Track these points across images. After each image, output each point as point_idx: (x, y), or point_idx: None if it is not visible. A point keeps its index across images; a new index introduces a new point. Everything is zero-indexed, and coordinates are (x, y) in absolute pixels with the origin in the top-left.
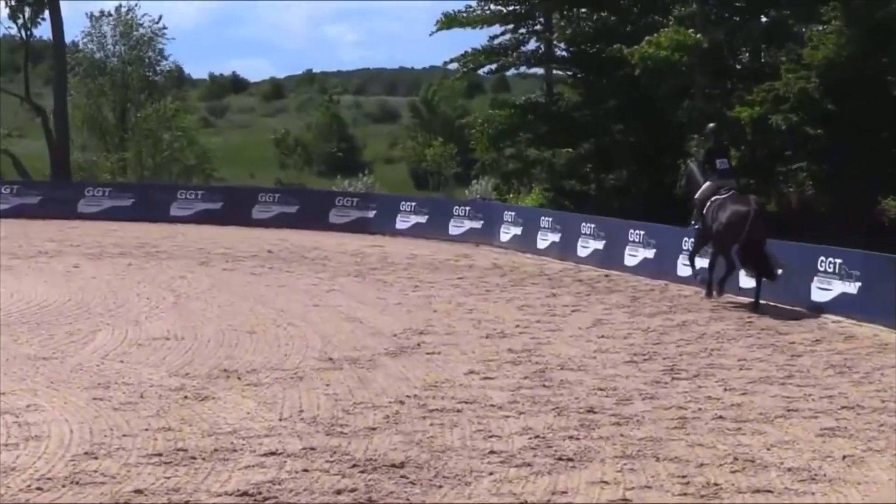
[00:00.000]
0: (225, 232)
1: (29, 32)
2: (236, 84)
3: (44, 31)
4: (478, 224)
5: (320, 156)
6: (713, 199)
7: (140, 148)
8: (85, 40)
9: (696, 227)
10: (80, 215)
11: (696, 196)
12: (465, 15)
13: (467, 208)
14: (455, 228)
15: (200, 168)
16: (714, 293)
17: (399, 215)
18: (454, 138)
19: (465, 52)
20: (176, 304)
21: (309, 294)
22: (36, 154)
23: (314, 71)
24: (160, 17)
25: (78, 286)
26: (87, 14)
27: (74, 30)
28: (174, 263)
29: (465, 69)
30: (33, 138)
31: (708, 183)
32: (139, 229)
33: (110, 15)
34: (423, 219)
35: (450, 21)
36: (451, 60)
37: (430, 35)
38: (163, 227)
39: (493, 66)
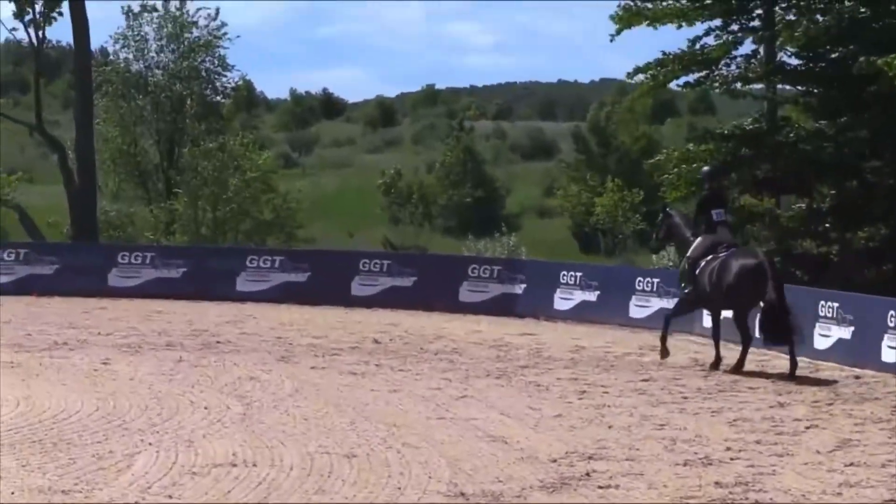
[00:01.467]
0: (313, 314)
1: (41, 35)
2: (328, 106)
3: (61, 32)
4: (670, 303)
5: (447, 207)
6: (708, 257)
7: (195, 197)
8: (118, 46)
9: (685, 290)
10: (111, 291)
11: (688, 254)
12: (652, 8)
13: (655, 280)
14: (638, 309)
15: (279, 225)
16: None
17: (558, 290)
18: (636, 180)
19: (658, 57)
20: (245, 416)
21: (432, 402)
22: (50, 205)
23: (437, 87)
24: (217, 12)
25: (109, 391)
26: (122, 9)
27: (103, 32)
28: (242, 359)
29: (650, 82)
30: (47, 183)
31: (700, 238)
32: (193, 310)
33: (154, 10)
34: (592, 296)
35: (630, 17)
36: (637, 71)
37: (608, 38)
38: (226, 308)
39: (691, 79)
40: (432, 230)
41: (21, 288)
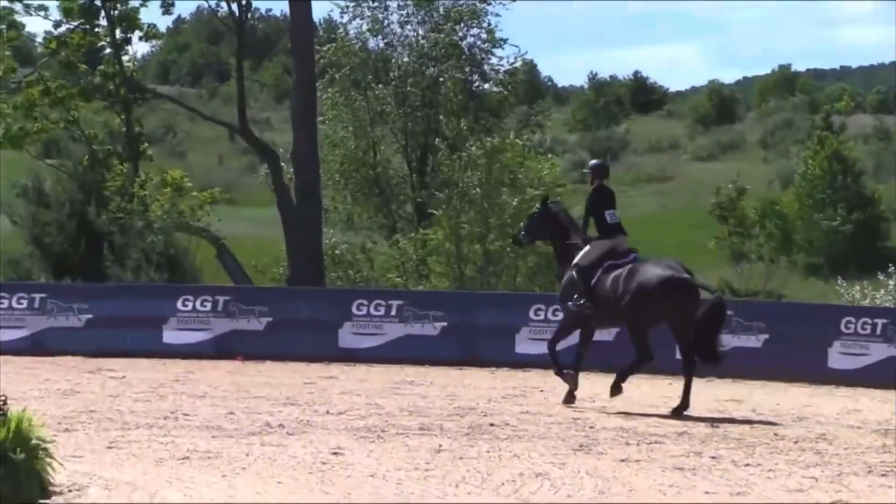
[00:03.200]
0: (624, 384)
1: (244, 2)
2: (641, 97)
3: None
4: None
5: (810, 237)
6: (605, 265)
7: (457, 224)
8: (346, 18)
9: (575, 303)
10: (343, 353)
11: (577, 261)
12: None
13: None
14: None
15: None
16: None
17: None
18: None
19: None
20: None
21: None
22: (258, 235)
23: (794, 69)
24: None
25: (341, 491)
26: None
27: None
28: (524, 448)
29: None
30: (254, 204)
31: (593, 244)
32: (456, 380)
33: None
34: None
35: None
36: None
37: None
38: (507, 377)
39: None
40: (789, 269)
41: (220, 349)
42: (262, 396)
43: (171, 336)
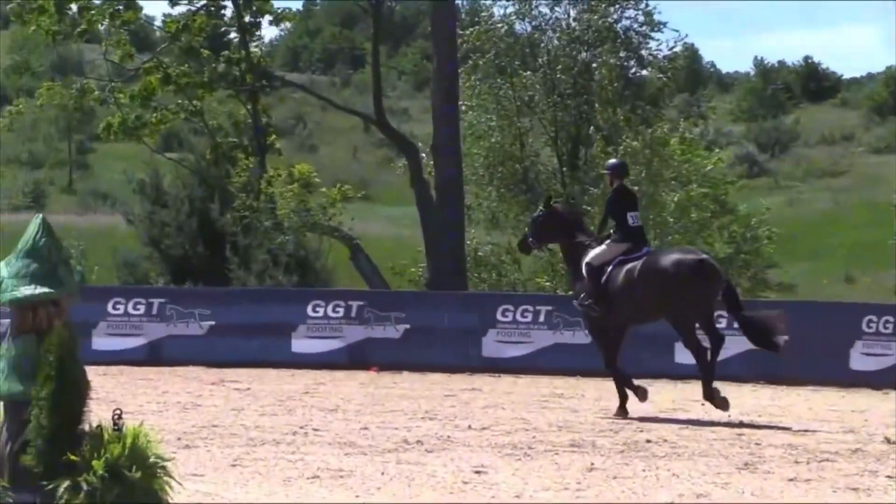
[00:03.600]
0: (791, 398)
1: None
2: (813, 84)
3: None
4: None
5: None
6: (617, 259)
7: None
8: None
9: (581, 302)
10: (486, 363)
11: (590, 259)
12: None
13: None
14: None
15: (741, 263)
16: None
17: None
18: None
19: None
20: None
21: None
22: (396, 235)
23: None
24: None
25: None
26: None
27: None
28: (685, 467)
29: None
30: (391, 202)
31: (608, 245)
32: (610, 392)
33: None
34: None
35: None
36: None
37: None
38: (661, 388)
39: None
40: None
41: (354, 359)
42: (398, 410)
43: (300, 345)
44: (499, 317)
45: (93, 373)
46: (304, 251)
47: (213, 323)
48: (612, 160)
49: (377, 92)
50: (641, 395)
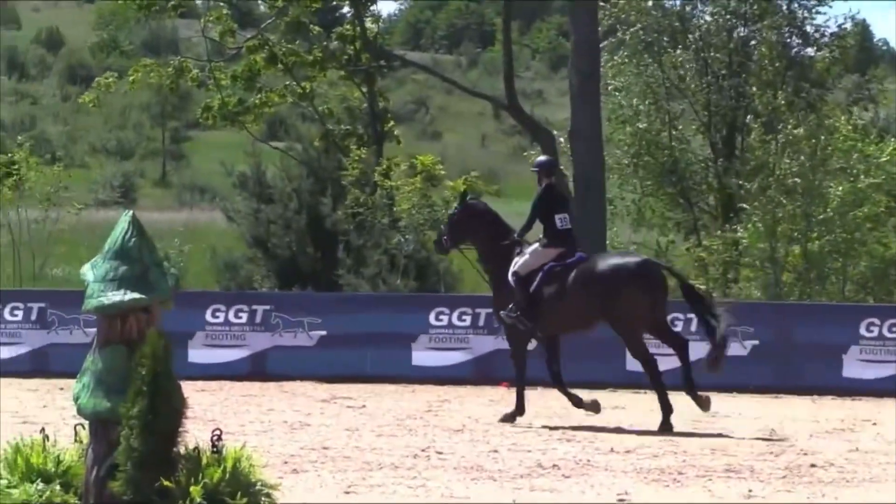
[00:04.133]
0: None
1: None
2: None
3: None
4: None
5: None
6: (548, 266)
7: (773, 221)
8: None
9: (509, 314)
10: (630, 377)
11: (517, 269)
12: None
13: None
14: None
15: None
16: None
17: None
18: None
19: None
20: None
21: None
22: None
23: None
24: None
25: None
26: None
27: None
28: (852, 494)
29: None
30: (525, 196)
31: (535, 249)
32: (771, 410)
33: None
34: None
35: None
36: None
37: None
38: (831, 405)
39: None
40: None
41: (482, 373)
42: (531, 430)
43: (421, 357)
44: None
45: (189, 388)
46: (426, 252)
47: (323, 333)
48: (541, 157)
49: (508, 73)
50: (592, 407)
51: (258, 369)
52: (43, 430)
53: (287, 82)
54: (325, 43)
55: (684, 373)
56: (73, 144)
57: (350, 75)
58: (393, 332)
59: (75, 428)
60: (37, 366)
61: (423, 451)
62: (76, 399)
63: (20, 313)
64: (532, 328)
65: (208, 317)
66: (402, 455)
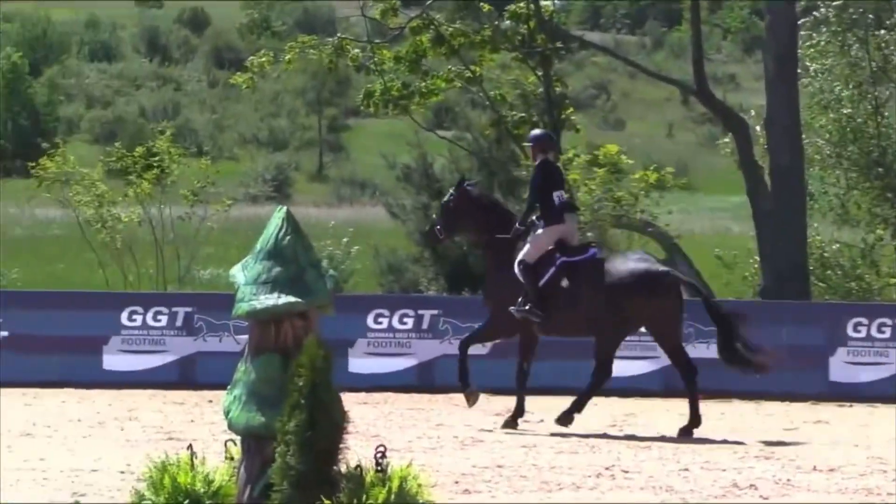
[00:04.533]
0: None
1: None
2: None
3: None
4: None
5: None
6: (560, 261)
7: None
8: None
9: (520, 308)
10: (841, 390)
11: (523, 256)
12: None
13: None
14: None
15: None
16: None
17: None
18: None
19: None
20: None
21: None
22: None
23: None
24: None
25: None
26: None
27: None
28: None
29: None
30: (717, 190)
31: (539, 233)
32: None
33: None
34: None
35: None
36: None
37: None
38: None
39: None
40: None
41: (670, 384)
42: (726, 447)
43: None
44: (850, 332)
45: (350, 401)
46: (610, 251)
47: (497, 340)
48: (536, 131)
49: (697, 55)
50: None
51: (426, 380)
52: (190, 446)
53: (453, 66)
54: (496, 22)
55: (592, 391)
56: (221, 134)
57: (524, 58)
58: (573, 339)
59: (226, 444)
60: (183, 376)
61: (606, 469)
62: (227, 413)
63: (164, 319)
64: (545, 318)
65: (370, 322)
66: (585, 474)
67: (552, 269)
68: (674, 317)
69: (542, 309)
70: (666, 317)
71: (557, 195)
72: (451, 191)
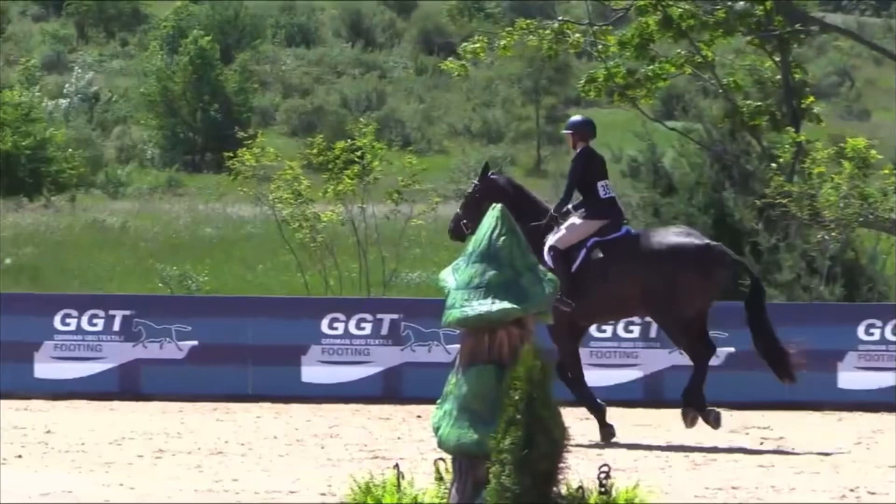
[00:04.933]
0: None
1: None
2: None
3: None
4: None
5: None
6: (591, 242)
7: None
8: None
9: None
10: None
11: (554, 242)
12: None
13: None
14: None
15: None
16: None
17: None
18: None
19: None
20: None
21: None
22: None
23: None
24: None
25: None
26: None
27: None
28: None
29: None
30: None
31: (575, 222)
32: None
33: None
34: None
35: None
36: None
37: None
38: None
39: None
40: None
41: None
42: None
43: (848, 379)
44: None
45: (570, 416)
46: (855, 253)
47: (731, 350)
48: (576, 117)
49: None
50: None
51: (653, 392)
52: (397, 466)
53: (683, 50)
54: (729, 3)
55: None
56: (429, 126)
57: (759, 42)
58: (817, 348)
59: (436, 463)
60: (388, 389)
61: (851, 491)
62: (437, 429)
63: (368, 326)
64: (577, 308)
65: (592, 330)
66: (828, 497)
67: (583, 252)
68: (714, 291)
69: (574, 298)
70: (708, 291)
71: (602, 185)
72: (474, 181)
